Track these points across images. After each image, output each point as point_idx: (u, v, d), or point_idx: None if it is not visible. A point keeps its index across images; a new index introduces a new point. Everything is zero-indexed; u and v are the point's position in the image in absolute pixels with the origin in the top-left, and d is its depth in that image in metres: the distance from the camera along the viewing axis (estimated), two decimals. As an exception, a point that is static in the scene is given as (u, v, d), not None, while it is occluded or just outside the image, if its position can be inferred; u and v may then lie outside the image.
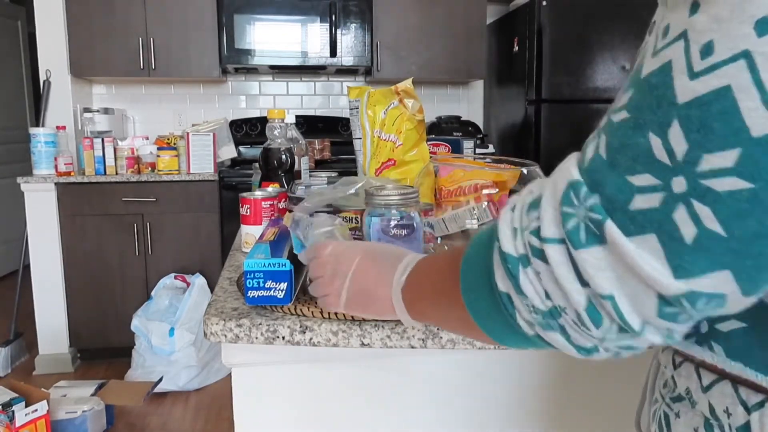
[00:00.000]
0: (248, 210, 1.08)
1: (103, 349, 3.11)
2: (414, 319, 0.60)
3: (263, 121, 3.57)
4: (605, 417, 0.89)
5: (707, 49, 0.34)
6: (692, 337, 0.45)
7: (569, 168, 0.40)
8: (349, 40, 3.27)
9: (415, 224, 0.80)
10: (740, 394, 0.42)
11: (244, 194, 1.10)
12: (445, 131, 3.36)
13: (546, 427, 0.89)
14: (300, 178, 1.37)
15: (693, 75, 0.34)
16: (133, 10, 3.11)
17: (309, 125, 3.57)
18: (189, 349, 2.74)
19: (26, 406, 2.05)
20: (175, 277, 2.97)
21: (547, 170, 0.88)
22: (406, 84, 1.11)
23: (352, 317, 0.72)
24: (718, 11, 0.33)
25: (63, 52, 3.10)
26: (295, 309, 0.74)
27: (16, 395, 2.08)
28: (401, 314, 0.60)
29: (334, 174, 1.44)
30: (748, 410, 0.42)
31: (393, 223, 0.79)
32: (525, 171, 0.86)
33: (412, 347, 0.72)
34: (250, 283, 0.73)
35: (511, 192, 0.86)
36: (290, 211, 0.97)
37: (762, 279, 0.35)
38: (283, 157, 1.26)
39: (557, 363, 0.87)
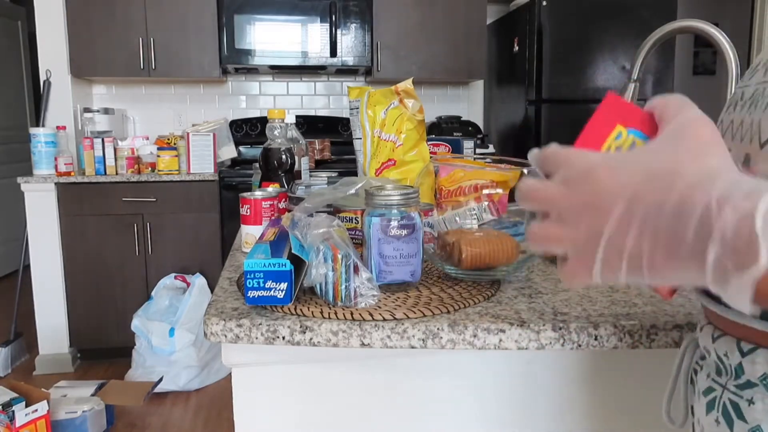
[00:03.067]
0: (248, 210, 1.08)
1: (103, 349, 3.11)
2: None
3: (263, 121, 3.57)
4: (608, 418, 0.89)
5: None
6: None
7: None
8: (349, 40, 3.27)
9: (415, 224, 0.80)
10: None
11: (244, 194, 1.10)
12: (446, 131, 3.36)
13: (551, 428, 0.89)
14: (300, 178, 1.37)
15: None
16: (133, 10, 3.11)
17: (309, 125, 3.57)
18: (189, 349, 2.74)
19: (26, 406, 2.05)
20: (175, 277, 2.97)
21: (547, 170, 0.88)
22: (407, 84, 1.11)
23: (352, 317, 0.72)
24: None
25: (63, 52, 3.10)
26: (295, 309, 0.74)
27: (16, 395, 2.07)
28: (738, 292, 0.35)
29: (334, 174, 1.44)
30: None
31: (393, 223, 0.79)
32: (525, 171, 0.86)
33: (412, 347, 0.72)
34: (250, 283, 0.73)
35: (512, 192, 0.86)
36: (290, 211, 0.97)
37: None
38: (283, 157, 1.26)
39: (565, 364, 0.87)
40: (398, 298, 0.79)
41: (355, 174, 1.20)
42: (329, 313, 0.73)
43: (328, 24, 3.22)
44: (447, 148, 1.44)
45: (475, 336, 0.71)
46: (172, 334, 2.71)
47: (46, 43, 3.09)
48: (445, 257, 0.86)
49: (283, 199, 1.12)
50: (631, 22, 3.18)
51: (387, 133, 1.10)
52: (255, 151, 3.51)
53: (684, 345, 0.58)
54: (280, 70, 3.54)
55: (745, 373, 0.47)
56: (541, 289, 0.86)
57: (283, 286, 0.74)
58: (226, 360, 0.81)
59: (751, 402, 0.46)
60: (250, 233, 1.09)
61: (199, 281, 2.87)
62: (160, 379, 2.61)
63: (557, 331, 0.71)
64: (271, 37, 3.20)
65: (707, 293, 0.50)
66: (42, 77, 3.11)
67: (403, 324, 0.72)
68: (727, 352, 0.49)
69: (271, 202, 1.09)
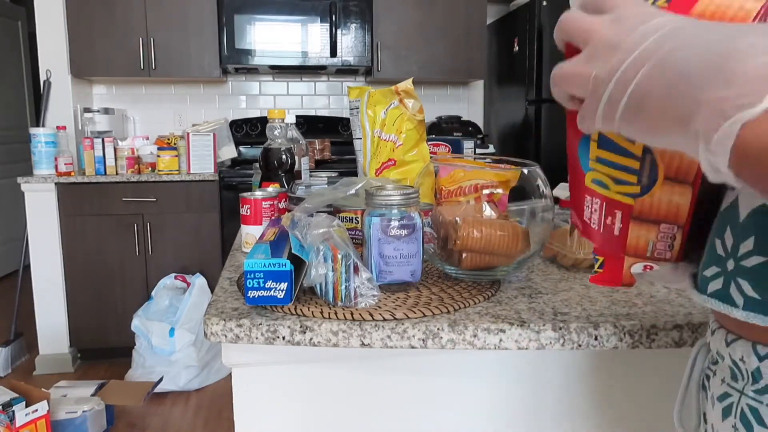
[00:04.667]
0: (248, 210, 1.08)
1: (103, 349, 3.11)
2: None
3: (263, 121, 3.57)
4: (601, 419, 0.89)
5: None
6: None
7: None
8: (349, 40, 3.27)
9: (415, 224, 0.80)
10: None
11: (245, 194, 1.10)
12: (446, 131, 3.36)
13: (551, 427, 0.89)
14: (300, 178, 1.37)
15: None
16: (133, 10, 3.11)
17: (309, 125, 3.57)
18: (189, 349, 2.74)
19: (26, 406, 2.05)
20: (176, 277, 2.97)
21: (548, 170, 0.88)
22: (407, 84, 1.11)
23: (352, 317, 0.72)
24: None
25: (63, 52, 3.10)
26: (295, 309, 0.74)
27: (16, 395, 2.07)
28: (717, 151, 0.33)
29: (334, 174, 1.44)
30: None
31: (393, 223, 0.79)
32: (525, 171, 0.86)
33: (412, 347, 0.72)
34: (250, 283, 0.73)
35: (512, 192, 0.86)
36: (290, 211, 0.97)
37: None
38: (284, 157, 1.26)
39: (565, 365, 0.87)
40: (398, 298, 0.79)
41: (355, 174, 1.20)
42: (329, 313, 0.73)
43: (328, 24, 3.22)
44: (447, 148, 1.44)
45: (475, 336, 0.71)
46: (172, 334, 2.71)
47: (46, 43, 3.09)
48: (442, 244, 0.85)
49: (283, 199, 1.12)
50: (631, 22, 3.17)
51: (387, 133, 1.10)
52: (255, 151, 3.52)
53: (695, 350, 0.57)
54: (280, 70, 3.54)
55: (763, 377, 0.46)
56: (541, 289, 0.86)
57: (283, 286, 0.74)
58: (226, 360, 0.81)
59: None
60: (250, 233, 1.09)
61: (199, 281, 2.88)
62: (160, 379, 2.61)
63: (557, 331, 0.71)
64: (271, 37, 3.20)
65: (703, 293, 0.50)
66: (42, 77, 3.11)
67: (403, 324, 0.72)
68: (743, 356, 0.48)
69: (271, 202, 1.09)
